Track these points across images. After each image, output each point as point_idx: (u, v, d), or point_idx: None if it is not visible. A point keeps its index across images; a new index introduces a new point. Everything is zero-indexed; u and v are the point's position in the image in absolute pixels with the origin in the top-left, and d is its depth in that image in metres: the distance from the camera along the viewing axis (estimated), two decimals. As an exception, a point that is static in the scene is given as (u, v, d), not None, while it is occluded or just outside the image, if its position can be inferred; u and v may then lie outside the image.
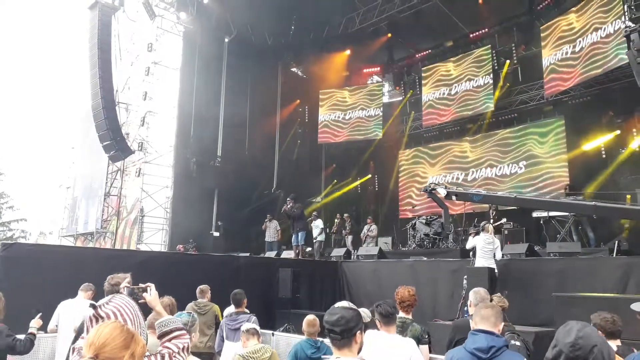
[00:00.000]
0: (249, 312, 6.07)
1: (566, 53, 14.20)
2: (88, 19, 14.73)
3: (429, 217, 14.09)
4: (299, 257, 12.54)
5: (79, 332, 3.29)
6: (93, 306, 2.05)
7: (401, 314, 4.74)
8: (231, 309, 6.48)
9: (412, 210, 17.36)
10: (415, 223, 14.16)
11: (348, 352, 2.26)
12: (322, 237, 14.18)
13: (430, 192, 10.33)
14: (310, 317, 4.79)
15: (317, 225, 14.15)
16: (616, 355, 3.09)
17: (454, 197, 10.18)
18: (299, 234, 12.95)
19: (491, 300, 4.64)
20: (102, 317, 2.03)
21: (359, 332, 2.29)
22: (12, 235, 29.57)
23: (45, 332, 5.56)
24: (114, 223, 17.66)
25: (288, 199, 13.48)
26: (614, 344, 3.34)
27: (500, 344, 2.77)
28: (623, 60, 11.97)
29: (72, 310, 5.43)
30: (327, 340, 4.49)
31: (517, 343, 3.90)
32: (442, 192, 10.06)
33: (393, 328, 3.83)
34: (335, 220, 15.90)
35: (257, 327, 4.40)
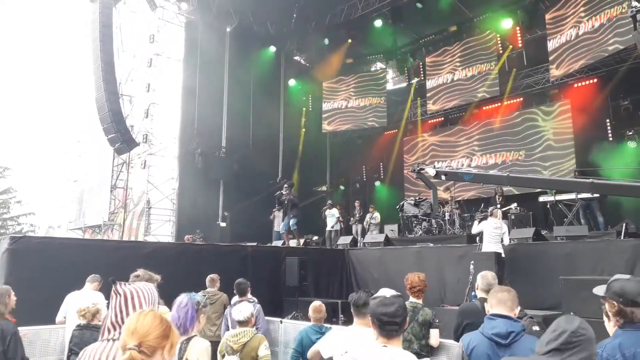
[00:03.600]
0: (253, 299, 6.08)
1: (571, 36, 14.04)
2: (89, 12, 14.69)
3: (417, 198, 13.94)
4: (290, 245, 12.26)
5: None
6: (113, 281, 2.09)
7: (412, 299, 4.78)
8: (237, 297, 6.52)
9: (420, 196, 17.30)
10: (403, 204, 13.99)
11: (397, 341, 2.19)
12: (337, 227, 14.16)
13: (419, 172, 10.12)
14: (317, 303, 4.81)
15: (332, 214, 14.14)
16: None
17: (443, 177, 9.93)
18: (291, 220, 12.52)
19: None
20: (119, 294, 2.08)
21: (407, 319, 2.23)
22: (20, 229, 29.82)
23: (54, 323, 5.63)
24: (121, 215, 17.72)
25: (285, 185, 13.07)
26: None
27: (519, 328, 2.73)
28: (630, 41, 11.83)
29: (80, 301, 5.48)
30: (335, 327, 4.51)
31: (537, 328, 3.87)
32: (430, 171, 9.82)
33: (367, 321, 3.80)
34: (337, 208, 15.87)
35: (247, 316, 4.31)
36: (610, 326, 3.17)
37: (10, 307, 4.33)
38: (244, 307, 4.38)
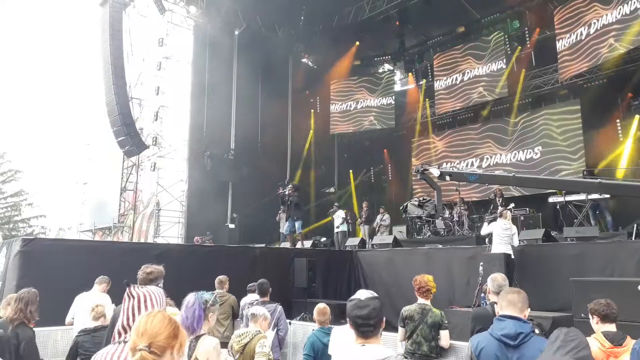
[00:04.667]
0: (275, 303, 6.07)
1: (581, 35, 13.95)
2: (99, 15, 14.84)
3: (421, 199, 13.87)
4: (295, 246, 12.13)
5: (114, 319, 3.37)
6: (127, 284, 2.13)
7: (420, 300, 4.77)
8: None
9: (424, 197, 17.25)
10: (407, 205, 13.89)
11: (375, 339, 2.24)
12: (344, 228, 14.13)
13: (422, 173, 10.00)
14: (321, 305, 4.80)
15: (339, 215, 14.14)
16: (603, 339, 3.19)
17: (447, 178, 9.81)
18: (296, 223, 12.35)
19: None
20: (133, 297, 2.11)
21: (384, 318, 2.29)
22: (32, 232, 30.01)
23: (63, 325, 5.70)
24: (131, 217, 17.85)
25: (289, 185, 12.90)
26: (610, 328, 3.35)
27: (528, 330, 2.73)
28: (639, 41, 11.76)
29: (88, 302, 5.54)
30: (339, 327, 4.54)
31: (537, 331, 3.86)
32: (434, 172, 9.68)
33: None
34: (343, 209, 15.89)
35: (260, 314, 4.32)
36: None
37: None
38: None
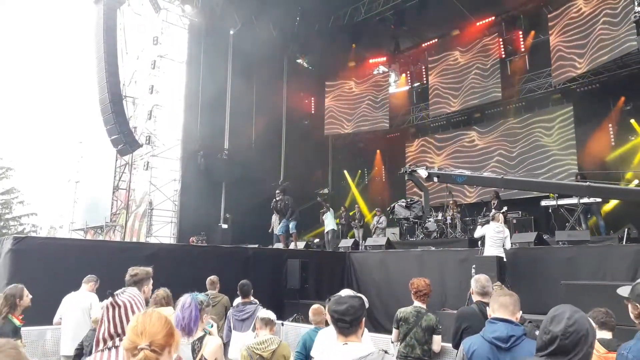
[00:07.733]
0: (255, 302, 6.10)
1: (575, 40, 14.05)
2: (93, 13, 14.75)
3: (409, 200, 13.89)
4: (288, 247, 12.04)
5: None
6: (111, 294, 2.14)
7: (416, 303, 4.81)
8: (240, 299, 6.52)
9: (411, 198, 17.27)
10: (394, 206, 13.93)
11: (355, 338, 2.32)
12: (331, 227, 14.13)
13: (410, 174, 9.99)
14: (316, 305, 4.84)
15: (328, 216, 14.13)
16: (599, 345, 3.10)
17: (435, 179, 9.82)
18: (290, 224, 12.25)
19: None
20: (119, 305, 2.09)
21: (364, 318, 2.37)
22: (22, 230, 29.85)
23: (51, 324, 5.68)
24: (123, 216, 17.74)
25: (277, 191, 12.67)
26: (607, 335, 3.38)
27: (519, 332, 2.75)
28: (633, 46, 11.84)
29: (74, 302, 5.51)
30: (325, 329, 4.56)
31: (537, 332, 3.88)
32: (422, 173, 9.67)
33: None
34: (341, 212, 15.92)
35: (272, 317, 4.43)
36: None
37: (22, 306, 4.35)
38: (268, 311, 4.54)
